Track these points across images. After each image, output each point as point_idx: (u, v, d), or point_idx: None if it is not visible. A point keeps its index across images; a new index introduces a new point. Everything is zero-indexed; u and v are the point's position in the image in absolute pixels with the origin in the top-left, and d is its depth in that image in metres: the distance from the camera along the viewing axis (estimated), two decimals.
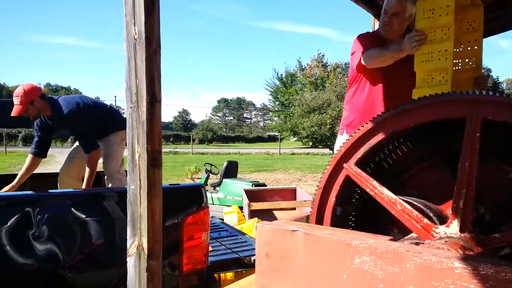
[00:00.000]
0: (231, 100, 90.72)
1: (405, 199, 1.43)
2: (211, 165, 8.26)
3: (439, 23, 1.79)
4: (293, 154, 27.87)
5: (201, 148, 34.84)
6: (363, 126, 1.45)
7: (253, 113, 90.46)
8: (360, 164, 1.49)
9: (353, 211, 1.66)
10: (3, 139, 25.02)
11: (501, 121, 1.19)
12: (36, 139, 3.52)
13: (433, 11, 1.79)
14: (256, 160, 24.23)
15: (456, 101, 1.27)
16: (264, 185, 7.61)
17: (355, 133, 1.47)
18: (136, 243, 1.79)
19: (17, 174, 3.48)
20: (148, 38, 1.71)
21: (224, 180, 7.41)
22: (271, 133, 56.55)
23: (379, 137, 1.42)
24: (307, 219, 1.60)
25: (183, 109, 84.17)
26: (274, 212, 6.03)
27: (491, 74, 35.33)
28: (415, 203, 1.42)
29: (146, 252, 1.77)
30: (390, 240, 1.23)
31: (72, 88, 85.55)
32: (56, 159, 22.69)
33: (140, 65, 1.72)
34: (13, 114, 3.16)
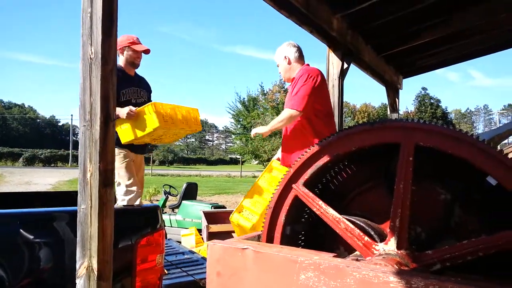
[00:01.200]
0: None
1: (348, 218, 1.51)
2: (170, 186, 8.15)
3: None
4: (254, 177, 27.95)
5: (161, 170, 34.20)
6: (309, 149, 1.54)
7: (215, 135, 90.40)
8: (308, 184, 1.56)
9: (302, 230, 1.73)
10: None
11: (430, 146, 1.31)
12: None
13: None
14: (217, 183, 24.08)
15: (392, 128, 1.38)
16: (224, 207, 7.58)
17: (303, 155, 1.55)
18: (86, 264, 1.76)
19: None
20: (104, 58, 1.74)
21: (183, 202, 7.32)
22: (233, 156, 56.59)
23: (325, 159, 1.51)
24: (258, 238, 1.64)
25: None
26: (233, 234, 6.01)
27: (440, 104, 37.54)
28: (358, 222, 1.50)
29: (96, 273, 1.73)
30: (333, 256, 1.30)
31: (26, 106, 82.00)
32: (7, 179, 21.48)
33: (96, 84, 1.74)
34: (148, 48, 3.46)
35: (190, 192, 7.73)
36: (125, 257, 2.26)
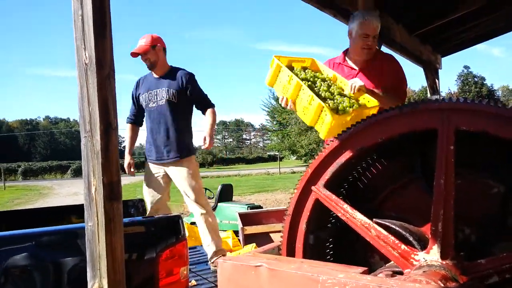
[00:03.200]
0: (229, 122, 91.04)
1: (381, 222, 1.28)
2: (206, 189, 8.08)
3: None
4: (294, 172, 27.62)
5: (201, 172, 34.47)
6: (328, 144, 1.32)
7: (252, 133, 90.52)
8: (330, 185, 1.35)
9: (329, 237, 1.51)
10: (1, 174, 24.86)
11: (476, 131, 1.05)
12: (131, 108, 3.49)
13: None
14: (256, 181, 24.01)
15: (425, 111, 1.14)
16: (260, 207, 7.41)
17: (321, 151, 1.34)
18: (97, 285, 1.63)
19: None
20: (99, 62, 1.60)
21: (219, 204, 7.23)
22: (271, 153, 56.46)
23: (347, 155, 1.28)
24: (278, 250, 1.44)
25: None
26: (271, 235, 5.83)
27: (485, 82, 35.31)
28: (393, 226, 1.27)
29: None
30: (363, 272, 1.07)
31: (71, 120, 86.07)
32: (56, 191, 22.53)
33: (92, 91, 1.60)
34: (134, 50, 3.23)
35: (226, 194, 7.62)
36: (147, 272, 2.14)
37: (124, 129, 3.65)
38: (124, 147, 3.65)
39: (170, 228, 2.28)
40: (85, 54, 1.61)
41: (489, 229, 1.24)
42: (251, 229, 5.32)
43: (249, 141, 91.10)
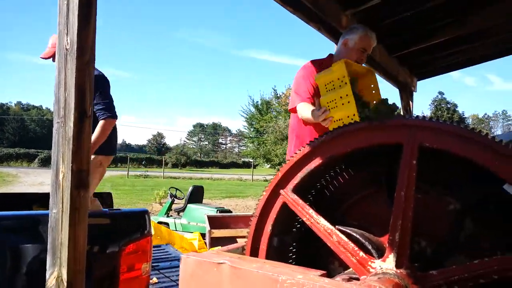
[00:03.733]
0: (207, 125, 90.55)
1: (343, 229, 1.33)
2: (176, 189, 8.03)
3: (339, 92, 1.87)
4: (266, 180, 27.71)
5: (173, 172, 34.25)
6: (300, 150, 1.36)
7: (229, 138, 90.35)
8: (298, 190, 1.38)
9: (293, 241, 1.55)
10: None
11: (439, 149, 1.12)
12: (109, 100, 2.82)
13: (333, 83, 1.91)
14: (228, 186, 23.96)
15: (393, 126, 1.19)
16: (230, 211, 7.41)
17: (292, 157, 1.38)
18: (56, 274, 1.61)
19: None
20: (80, 49, 1.59)
21: (188, 205, 7.19)
22: (246, 160, 56.46)
23: (317, 162, 1.33)
24: (242, 249, 1.47)
25: (158, 132, 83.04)
26: (238, 240, 5.84)
27: (457, 109, 36.71)
28: (354, 234, 1.32)
29: (65, 284, 1.58)
30: (321, 275, 1.11)
31: (44, 107, 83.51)
32: (21, 179, 21.75)
33: (70, 76, 1.59)
34: (41, 56, 2.85)
35: (196, 195, 7.59)
36: (108, 266, 2.12)
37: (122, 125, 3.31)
38: None
39: (136, 222, 2.27)
40: (66, 39, 1.60)
41: (443, 243, 1.31)
42: (218, 233, 5.32)
43: (224, 146, 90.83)
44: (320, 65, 2.56)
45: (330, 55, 2.70)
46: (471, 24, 4.34)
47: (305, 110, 2.30)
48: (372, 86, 2.15)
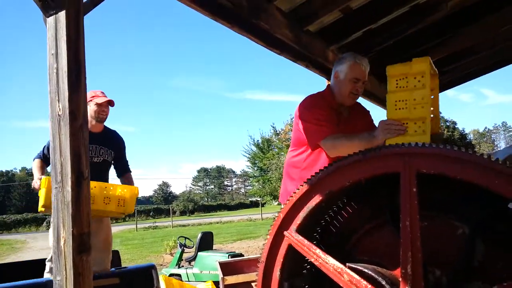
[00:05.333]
0: (210, 169, 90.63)
1: (354, 266, 1.29)
2: (185, 238, 7.89)
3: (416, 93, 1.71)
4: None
5: (182, 220, 33.88)
6: (298, 189, 1.34)
7: (234, 180, 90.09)
8: (302, 230, 1.36)
9: (304, 284, 1.50)
10: None
11: (436, 174, 1.10)
12: (43, 151, 3.24)
13: (408, 81, 1.72)
14: (239, 228, 23.59)
15: (387, 155, 1.19)
16: (242, 255, 7.25)
17: (291, 197, 1.36)
18: None
19: None
20: (73, 114, 1.62)
21: (199, 253, 7.03)
22: (253, 199, 55.99)
23: (317, 199, 1.31)
24: None
25: (163, 181, 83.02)
26: (253, 284, 5.66)
27: (456, 126, 36.79)
28: (366, 271, 1.27)
29: None
30: None
31: (48, 170, 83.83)
32: (29, 245, 21.48)
33: (64, 141, 1.61)
34: (111, 100, 3.23)
35: (206, 242, 7.45)
36: None
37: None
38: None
39: (143, 278, 2.21)
40: (58, 106, 1.64)
41: (457, 270, 1.26)
42: (232, 279, 5.16)
43: (230, 188, 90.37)
44: (322, 98, 2.40)
45: (329, 85, 2.54)
46: (451, 46, 4.46)
47: (342, 140, 2.07)
48: (433, 90, 1.91)
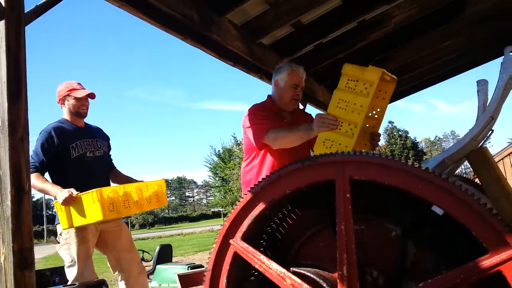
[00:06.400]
0: (171, 180, 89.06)
1: (298, 270, 1.33)
2: (143, 251, 7.69)
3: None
4: None
5: (141, 234, 32.94)
6: (242, 198, 1.38)
7: (195, 191, 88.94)
8: (248, 238, 1.39)
9: None
10: None
11: (367, 180, 1.18)
12: (41, 158, 2.82)
13: (357, 84, 1.83)
14: (201, 239, 23.25)
15: (323, 164, 1.25)
16: (202, 266, 7.15)
17: (237, 205, 1.39)
18: None
19: None
20: (12, 126, 1.57)
21: (157, 266, 6.86)
22: (215, 209, 55.50)
23: (260, 207, 1.35)
24: None
25: None
26: None
27: (409, 135, 38.56)
28: (308, 274, 1.33)
29: None
30: None
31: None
32: None
33: (4, 154, 1.56)
34: (92, 92, 2.99)
35: (165, 255, 7.29)
36: None
37: None
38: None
39: None
40: None
41: (393, 271, 1.34)
42: None
43: (192, 199, 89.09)
44: (264, 106, 2.55)
45: (269, 96, 2.67)
46: (400, 59, 4.74)
47: (282, 132, 2.22)
48: (386, 92, 2.05)
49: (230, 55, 3.36)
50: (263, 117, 2.40)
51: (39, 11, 1.79)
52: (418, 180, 1.12)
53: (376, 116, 2.11)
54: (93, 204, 2.39)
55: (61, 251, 2.84)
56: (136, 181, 3.15)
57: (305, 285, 1.25)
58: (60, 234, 2.82)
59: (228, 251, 1.40)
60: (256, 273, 1.56)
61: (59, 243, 2.84)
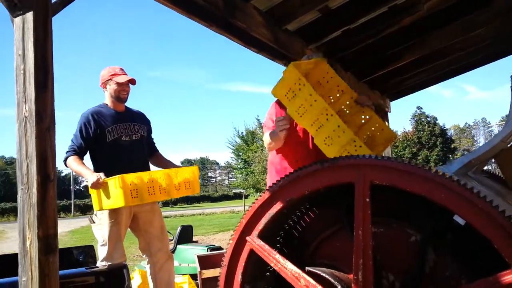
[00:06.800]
0: (194, 160, 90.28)
1: (313, 270, 1.33)
2: None
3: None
4: None
5: (164, 212, 33.65)
6: (260, 196, 1.38)
7: (218, 171, 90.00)
8: (264, 236, 1.39)
9: (267, 286, 1.54)
10: None
11: (388, 185, 1.15)
12: (74, 143, 2.92)
13: (293, 90, 1.97)
14: (222, 220, 23.64)
15: (343, 166, 1.23)
16: (221, 248, 7.29)
17: (254, 203, 1.40)
18: None
19: None
20: (39, 115, 1.62)
21: (178, 246, 7.04)
22: (237, 191, 56.12)
23: (278, 206, 1.35)
24: None
25: None
26: None
27: (437, 122, 37.42)
28: (323, 275, 1.32)
29: None
30: None
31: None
32: (8, 234, 21.10)
33: (31, 143, 1.61)
34: (133, 78, 3.04)
35: (186, 235, 7.44)
36: None
37: None
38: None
39: (114, 279, 2.22)
40: (25, 107, 1.63)
41: (411, 276, 1.32)
42: (209, 273, 5.19)
43: (214, 179, 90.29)
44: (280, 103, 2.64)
45: None
46: (431, 44, 4.55)
47: (266, 135, 2.46)
48: (327, 72, 2.25)
49: (255, 42, 3.32)
50: (269, 120, 2.61)
51: (66, 1, 1.80)
52: (441, 188, 1.08)
53: (342, 91, 2.32)
54: (116, 190, 2.44)
55: (95, 230, 2.96)
56: (175, 165, 3.20)
57: (320, 286, 1.25)
58: (95, 215, 2.92)
59: (244, 248, 1.41)
60: (272, 270, 1.57)
61: (94, 222, 2.95)
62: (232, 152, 35.94)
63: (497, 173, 2.63)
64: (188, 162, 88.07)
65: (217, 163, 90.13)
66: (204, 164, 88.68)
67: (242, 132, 34.83)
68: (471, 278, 1.19)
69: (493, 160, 2.08)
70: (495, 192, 1.86)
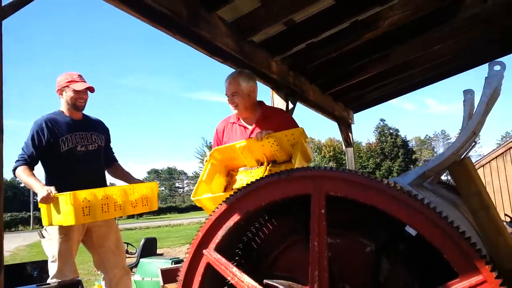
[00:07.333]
0: (161, 170, 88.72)
1: (271, 283, 1.32)
2: (128, 244, 7.64)
3: None
4: None
5: (129, 224, 32.87)
6: (217, 208, 1.36)
7: (185, 182, 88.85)
8: (221, 248, 1.37)
9: None
10: None
11: (341, 196, 1.16)
12: (30, 151, 2.76)
13: None
14: (188, 231, 23.26)
15: (300, 178, 1.23)
16: None
17: (211, 215, 1.37)
18: None
19: None
20: None
21: (141, 260, 6.83)
22: None
23: (235, 218, 1.33)
24: None
25: (110, 183, 79.49)
26: None
27: (399, 133, 38.87)
28: (281, 287, 1.31)
29: None
30: None
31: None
32: None
33: None
34: (91, 86, 2.91)
35: (150, 248, 7.24)
36: None
37: None
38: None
39: None
40: None
41: (366, 286, 1.33)
42: (172, 286, 5.08)
43: (182, 190, 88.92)
44: (227, 124, 2.93)
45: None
46: (393, 59, 4.73)
47: None
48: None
49: (220, 52, 3.32)
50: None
51: (18, 4, 1.73)
52: (392, 200, 1.10)
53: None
54: (67, 206, 2.33)
55: (45, 246, 2.80)
56: (134, 179, 3.09)
57: None
58: (45, 229, 2.77)
59: (201, 261, 1.37)
60: (230, 284, 1.54)
61: (44, 237, 2.79)
62: (200, 162, 35.67)
63: (453, 184, 2.72)
64: (155, 173, 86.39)
65: (185, 173, 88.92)
66: (171, 174, 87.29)
67: (210, 142, 34.69)
68: (424, 286, 1.21)
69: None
70: (449, 203, 1.93)
